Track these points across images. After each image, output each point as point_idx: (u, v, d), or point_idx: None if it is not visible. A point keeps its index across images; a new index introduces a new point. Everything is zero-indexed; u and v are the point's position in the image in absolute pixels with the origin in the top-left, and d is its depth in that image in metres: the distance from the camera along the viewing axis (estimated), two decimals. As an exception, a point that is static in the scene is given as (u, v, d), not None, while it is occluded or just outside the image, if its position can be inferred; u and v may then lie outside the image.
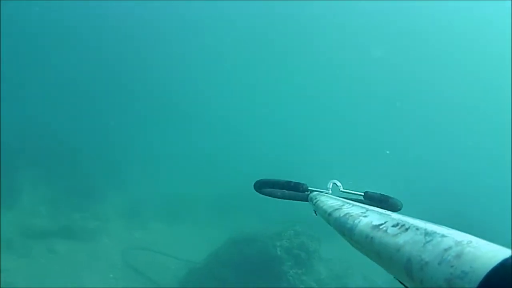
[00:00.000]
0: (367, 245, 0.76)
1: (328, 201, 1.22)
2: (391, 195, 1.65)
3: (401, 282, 0.65)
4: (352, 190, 1.63)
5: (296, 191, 1.73)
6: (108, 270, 8.83)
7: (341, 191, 1.61)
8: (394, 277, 0.75)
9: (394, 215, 0.77)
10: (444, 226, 0.62)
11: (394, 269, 0.65)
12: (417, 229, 0.64)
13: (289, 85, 26.76)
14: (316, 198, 1.40)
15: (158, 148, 16.93)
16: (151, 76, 22.34)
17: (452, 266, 0.50)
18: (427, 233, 0.61)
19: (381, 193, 1.65)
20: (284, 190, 1.76)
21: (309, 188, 1.72)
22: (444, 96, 26.37)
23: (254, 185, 1.80)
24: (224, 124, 22.28)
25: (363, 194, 1.62)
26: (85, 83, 19.48)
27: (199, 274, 8.75)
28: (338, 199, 1.22)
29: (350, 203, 1.05)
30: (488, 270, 0.45)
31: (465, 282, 0.47)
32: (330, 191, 1.61)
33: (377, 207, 1.12)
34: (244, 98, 25.43)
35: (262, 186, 1.78)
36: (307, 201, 1.63)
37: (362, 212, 0.89)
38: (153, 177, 14.02)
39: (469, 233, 0.57)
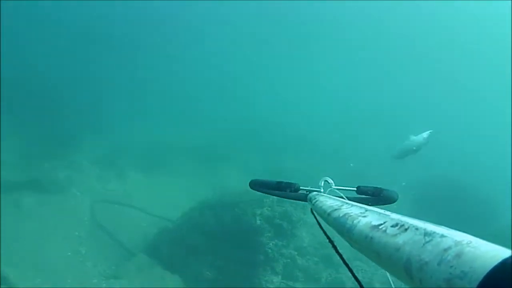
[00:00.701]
0: (366, 245, 0.76)
1: (327, 201, 1.21)
2: (384, 187, 1.64)
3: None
4: (344, 186, 1.63)
5: (288, 191, 1.74)
6: (74, 227, 7.95)
7: (333, 188, 1.60)
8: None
9: (394, 215, 0.77)
10: (443, 226, 0.62)
11: (394, 269, 0.65)
12: (417, 229, 0.64)
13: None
14: (315, 198, 1.40)
15: (141, 89, 15.95)
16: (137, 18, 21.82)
17: (451, 266, 0.50)
18: (426, 233, 0.61)
19: (374, 186, 1.64)
20: (280, 191, 1.76)
21: (300, 187, 1.72)
22: (444, 96, 26.38)
23: (249, 184, 1.81)
24: (213, 69, 22.04)
25: (355, 189, 1.62)
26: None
27: (169, 238, 7.94)
28: (337, 199, 1.22)
29: (349, 203, 1.05)
30: (488, 270, 0.45)
31: (465, 282, 0.47)
32: (322, 190, 1.61)
33: (373, 201, 1.12)
34: (233, 52, 25.06)
35: (257, 186, 1.79)
36: (306, 201, 1.63)
37: (361, 212, 0.88)
38: (135, 121, 12.98)
39: (469, 231, 0.57)
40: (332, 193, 1.53)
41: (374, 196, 1.58)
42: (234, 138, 13.56)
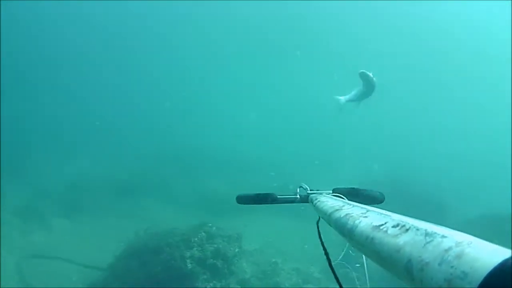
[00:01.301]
0: (367, 245, 0.76)
1: (328, 202, 1.22)
2: (360, 187, 1.66)
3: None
4: (320, 190, 1.65)
5: (265, 202, 1.80)
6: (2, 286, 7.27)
7: (308, 193, 1.64)
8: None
9: (395, 216, 0.77)
10: (444, 227, 0.62)
11: (395, 270, 0.65)
12: (418, 229, 0.64)
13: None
14: (316, 199, 1.40)
15: (57, 128, 14.90)
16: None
17: (452, 267, 0.50)
18: (427, 234, 0.61)
19: (351, 186, 1.65)
20: (262, 202, 1.82)
21: (278, 196, 1.77)
22: (443, 96, 26.37)
23: (236, 200, 1.88)
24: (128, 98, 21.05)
25: (331, 191, 1.63)
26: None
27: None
28: (339, 200, 1.23)
29: (350, 204, 1.05)
30: (488, 271, 0.45)
31: (466, 282, 0.47)
32: (298, 196, 1.66)
33: (357, 202, 1.13)
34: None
35: (243, 201, 1.85)
36: (307, 202, 1.65)
37: (362, 213, 0.89)
38: (53, 162, 12.21)
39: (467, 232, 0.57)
40: (310, 197, 1.58)
41: (351, 197, 1.59)
42: (157, 168, 12.87)
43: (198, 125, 18.47)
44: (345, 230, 0.90)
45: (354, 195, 1.60)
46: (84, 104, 18.48)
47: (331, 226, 1.06)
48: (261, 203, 1.82)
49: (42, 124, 15.05)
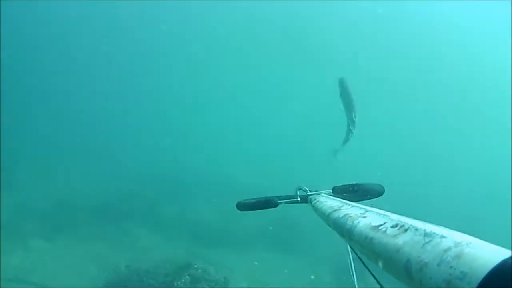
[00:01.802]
0: (366, 245, 0.76)
1: (327, 202, 1.22)
2: (360, 182, 1.65)
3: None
4: (319, 190, 1.65)
5: (268, 206, 1.79)
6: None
7: (308, 194, 1.63)
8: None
9: (394, 216, 0.77)
10: (443, 227, 0.62)
11: (394, 270, 0.65)
12: (416, 229, 0.64)
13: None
14: (315, 199, 1.40)
15: (40, 144, 14.12)
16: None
17: (451, 267, 0.50)
18: (426, 234, 0.61)
19: (349, 183, 1.65)
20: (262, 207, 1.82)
21: (279, 200, 1.77)
22: (443, 96, 26.39)
23: (237, 207, 1.89)
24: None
25: (331, 190, 1.63)
26: None
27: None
28: (337, 200, 1.22)
29: (349, 204, 1.05)
30: (487, 271, 0.45)
31: (465, 282, 0.47)
32: (299, 198, 1.66)
33: (356, 198, 1.13)
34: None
35: (242, 207, 1.84)
36: (306, 202, 1.65)
37: (361, 213, 0.89)
38: (41, 178, 11.79)
39: (469, 233, 0.57)
40: (310, 198, 1.57)
41: (352, 193, 1.58)
42: (145, 191, 12.21)
43: (190, 146, 17.62)
44: (344, 231, 0.89)
45: (354, 191, 1.60)
46: (77, 118, 17.82)
47: (330, 226, 1.06)
48: (262, 208, 1.81)
49: (31, 136, 14.40)
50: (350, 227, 0.86)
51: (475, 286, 0.45)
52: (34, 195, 10.77)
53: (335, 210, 1.04)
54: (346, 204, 1.06)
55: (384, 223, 0.75)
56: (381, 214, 0.82)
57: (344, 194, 1.57)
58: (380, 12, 24.30)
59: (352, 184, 1.63)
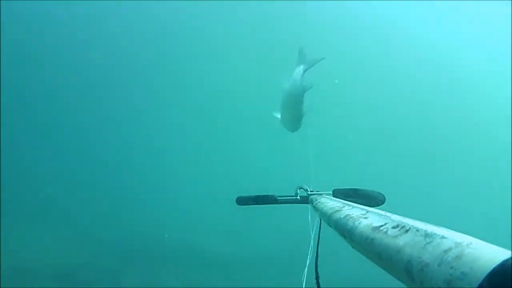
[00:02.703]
0: (367, 246, 0.76)
1: (328, 203, 1.22)
2: (361, 187, 1.65)
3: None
4: (320, 191, 1.65)
5: (266, 203, 1.80)
6: None
7: (309, 194, 1.64)
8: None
9: (395, 217, 0.78)
10: (444, 227, 0.63)
11: (395, 270, 0.65)
12: (417, 230, 0.64)
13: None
14: (316, 200, 1.41)
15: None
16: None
17: (452, 268, 0.50)
18: (427, 235, 0.61)
19: (350, 187, 1.65)
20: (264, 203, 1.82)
21: (278, 197, 1.77)
22: (442, 97, 26.37)
23: (236, 202, 1.89)
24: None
25: (331, 192, 1.63)
26: None
27: None
28: (339, 201, 1.23)
29: (350, 205, 1.06)
30: (488, 271, 0.45)
31: (465, 283, 0.47)
32: (299, 197, 1.66)
33: (357, 202, 1.14)
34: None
35: (241, 202, 1.85)
36: (307, 203, 1.65)
37: (362, 214, 0.89)
38: None
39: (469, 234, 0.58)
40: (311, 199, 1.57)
41: (352, 198, 1.58)
42: (107, 255, 11.38)
43: (159, 211, 15.68)
44: (345, 231, 0.90)
45: (355, 195, 1.61)
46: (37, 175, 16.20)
47: (331, 227, 1.06)
48: (261, 204, 1.82)
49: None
50: (351, 228, 0.87)
51: (476, 287, 0.45)
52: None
53: (336, 211, 1.04)
54: (348, 205, 1.07)
55: (385, 224, 0.75)
56: (382, 215, 0.82)
57: (345, 198, 1.58)
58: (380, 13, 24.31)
59: (354, 188, 1.64)
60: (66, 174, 17.33)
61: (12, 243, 10.64)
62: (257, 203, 1.80)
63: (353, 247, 0.88)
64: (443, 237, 0.58)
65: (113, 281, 10.13)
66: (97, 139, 20.04)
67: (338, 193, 1.60)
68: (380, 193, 1.68)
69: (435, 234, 0.60)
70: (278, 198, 1.78)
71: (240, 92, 22.31)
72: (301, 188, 1.71)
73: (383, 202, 1.66)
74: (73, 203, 14.55)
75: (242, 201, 1.84)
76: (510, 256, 0.46)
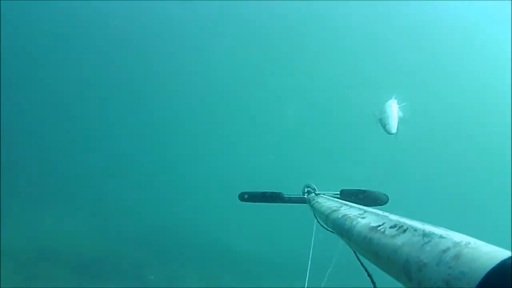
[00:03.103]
0: (365, 246, 0.76)
1: (326, 203, 1.22)
2: (369, 189, 1.66)
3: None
4: (328, 191, 1.65)
5: (274, 200, 1.79)
6: None
7: (316, 193, 1.63)
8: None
9: (392, 216, 0.77)
10: (442, 227, 0.62)
11: (393, 270, 0.65)
12: (415, 230, 0.64)
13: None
14: (314, 200, 1.40)
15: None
16: None
17: (450, 267, 0.50)
18: (425, 234, 0.61)
19: (358, 188, 1.66)
20: (268, 201, 1.81)
21: (285, 195, 1.76)
22: (443, 97, 26.41)
23: (238, 197, 1.88)
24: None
25: (339, 193, 1.63)
26: None
27: None
28: (336, 201, 1.23)
29: (348, 205, 1.05)
30: (486, 271, 0.45)
31: (464, 283, 0.47)
32: (306, 197, 1.65)
33: (360, 203, 1.13)
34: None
35: (246, 198, 1.83)
36: (305, 203, 1.65)
37: (360, 214, 0.89)
38: (23, 220, 10.80)
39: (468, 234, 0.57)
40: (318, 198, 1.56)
41: (360, 198, 1.59)
42: (132, 248, 11.16)
43: (189, 205, 15.56)
44: (343, 231, 0.89)
45: (361, 196, 1.61)
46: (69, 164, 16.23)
47: (328, 227, 1.06)
48: (267, 202, 1.80)
49: (21, 174, 13.11)
50: (349, 227, 0.86)
51: (474, 287, 0.45)
52: (15, 237, 9.70)
53: (334, 210, 1.04)
54: (345, 205, 1.06)
55: (383, 224, 0.75)
56: (380, 214, 0.82)
57: (351, 198, 1.59)
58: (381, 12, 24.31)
59: (362, 189, 1.64)
60: (103, 163, 17.58)
61: (33, 226, 10.57)
62: (262, 201, 1.79)
63: (351, 247, 0.87)
64: (441, 236, 0.57)
65: (134, 276, 9.92)
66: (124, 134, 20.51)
67: (346, 193, 1.60)
68: (385, 194, 1.68)
69: (433, 233, 0.59)
70: (285, 196, 1.77)
71: (242, 91, 22.45)
72: (309, 187, 1.69)
73: (387, 202, 1.67)
74: (101, 192, 14.64)
75: (246, 197, 1.83)
76: (509, 255, 0.46)
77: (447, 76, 26.78)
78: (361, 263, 1.05)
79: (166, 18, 23.31)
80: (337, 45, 25.80)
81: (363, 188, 1.65)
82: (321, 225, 1.28)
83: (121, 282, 9.26)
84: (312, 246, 1.38)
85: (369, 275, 1.04)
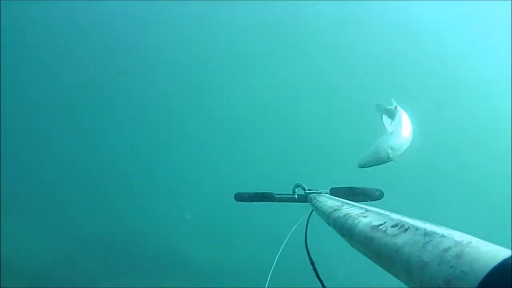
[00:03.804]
0: (366, 245, 0.76)
1: (327, 202, 1.22)
2: (357, 186, 1.66)
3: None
4: (318, 189, 1.65)
5: (264, 200, 1.80)
6: None
7: (306, 192, 1.64)
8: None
9: (394, 215, 0.78)
10: (443, 227, 0.62)
11: (394, 269, 0.65)
12: (417, 229, 0.64)
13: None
14: (315, 199, 1.41)
15: None
16: None
17: (451, 267, 0.50)
18: (426, 234, 0.61)
19: (347, 185, 1.66)
20: (262, 200, 1.83)
21: (276, 195, 1.77)
22: (442, 98, 26.40)
23: (234, 198, 1.89)
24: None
25: (329, 191, 1.63)
26: None
27: None
28: (338, 200, 1.23)
29: (349, 204, 1.05)
30: (488, 271, 0.45)
31: (465, 282, 0.47)
32: (296, 196, 1.66)
33: (354, 200, 1.14)
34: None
35: (239, 198, 1.84)
36: (305, 202, 1.65)
37: (361, 213, 0.89)
38: None
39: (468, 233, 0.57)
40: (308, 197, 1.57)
41: (350, 196, 1.59)
42: (84, 256, 10.66)
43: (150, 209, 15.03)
44: (344, 230, 0.90)
45: (352, 193, 1.61)
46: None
47: (330, 225, 1.06)
48: (259, 201, 1.82)
49: None
50: (351, 226, 0.86)
51: (475, 286, 0.45)
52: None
53: (336, 209, 1.04)
54: (347, 204, 1.07)
55: (384, 223, 0.75)
56: (382, 213, 0.82)
57: (343, 196, 1.58)
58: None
59: (350, 186, 1.64)
60: (58, 169, 16.94)
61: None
62: (255, 201, 1.81)
63: (352, 246, 0.88)
64: (442, 236, 0.57)
65: (90, 285, 9.45)
66: (93, 139, 20.08)
67: (336, 191, 1.60)
68: (378, 189, 1.68)
69: (434, 233, 0.60)
70: (276, 196, 1.78)
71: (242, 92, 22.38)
72: (299, 186, 1.70)
73: (381, 197, 1.67)
74: (55, 199, 14.04)
75: (240, 198, 1.84)
76: (510, 255, 0.46)
77: (446, 76, 26.77)
78: (312, 263, 1.07)
79: (166, 18, 23.31)
80: (337, 45, 25.80)
81: (352, 185, 1.65)
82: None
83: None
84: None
85: (318, 276, 1.06)
